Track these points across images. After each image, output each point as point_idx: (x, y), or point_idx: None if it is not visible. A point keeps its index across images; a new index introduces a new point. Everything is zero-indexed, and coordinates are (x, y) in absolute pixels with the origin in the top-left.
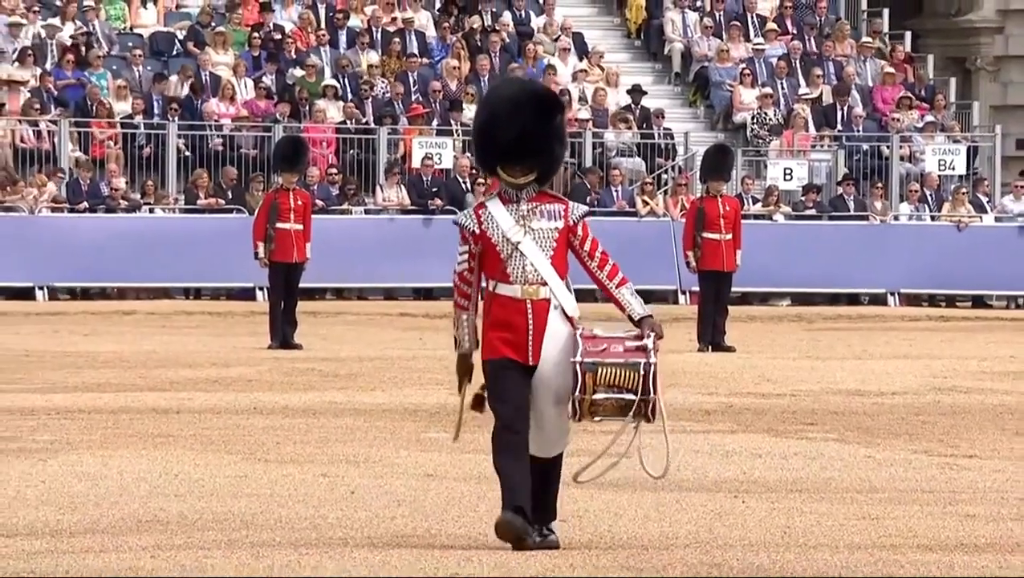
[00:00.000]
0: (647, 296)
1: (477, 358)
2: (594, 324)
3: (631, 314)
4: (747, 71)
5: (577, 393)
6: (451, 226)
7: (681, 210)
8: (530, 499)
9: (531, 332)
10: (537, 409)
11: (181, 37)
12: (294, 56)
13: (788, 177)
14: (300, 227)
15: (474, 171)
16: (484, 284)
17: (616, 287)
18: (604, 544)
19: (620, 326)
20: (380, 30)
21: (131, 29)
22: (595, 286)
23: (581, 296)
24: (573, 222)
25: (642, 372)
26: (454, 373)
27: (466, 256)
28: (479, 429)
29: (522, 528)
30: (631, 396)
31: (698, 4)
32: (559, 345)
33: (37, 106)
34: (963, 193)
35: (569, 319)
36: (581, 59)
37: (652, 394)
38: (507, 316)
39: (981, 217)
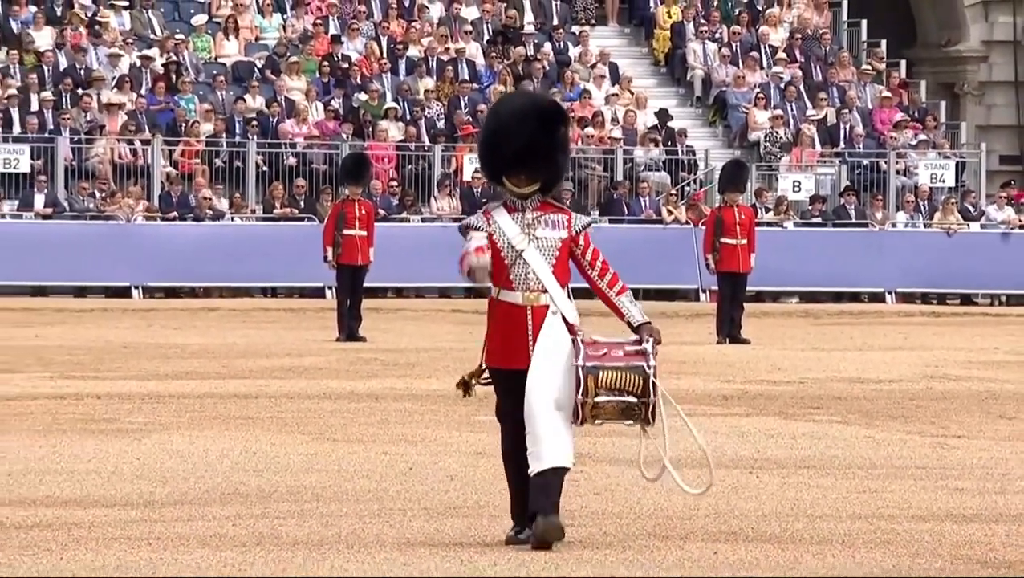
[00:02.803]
0: (671, 294)
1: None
2: (593, 333)
3: (630, 321)
4: (761, 95)
5: (580, 396)
6: None
7: (700, 218)
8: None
9: (531, 337)
10: (530, 412)
11: (260, 65)
12: (359, 82)
13: (797, 189)
14: (364, 233)
15: None
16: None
17: (616, 295)
18: (633, 514)
19: (619, 335)
20: (435, 59)
21: (215, 59)
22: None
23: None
24: (576, 232)
25: (643, 375)
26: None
27: (483, 236)
28: None
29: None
30: (632, 399)
31: (717, 36)
32: (553, 347)
33: (133, 127)
34: (952, 203)
35: (569, 326)
36: (613, 84)
37: (652, 397)
38: (509, 322)
39: (968, 224)
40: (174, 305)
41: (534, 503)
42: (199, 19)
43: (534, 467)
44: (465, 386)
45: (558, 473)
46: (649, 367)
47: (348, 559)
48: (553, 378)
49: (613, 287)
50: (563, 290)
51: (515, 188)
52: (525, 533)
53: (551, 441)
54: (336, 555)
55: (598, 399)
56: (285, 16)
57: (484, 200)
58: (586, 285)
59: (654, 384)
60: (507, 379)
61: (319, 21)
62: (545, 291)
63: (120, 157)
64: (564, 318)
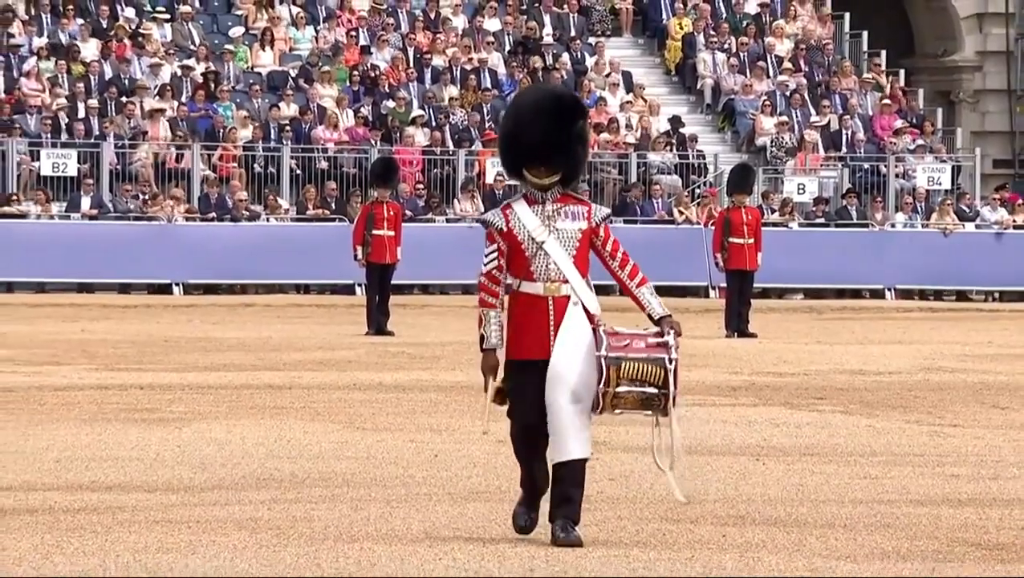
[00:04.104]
0: (682, 291)
1: (501, 355)
2: (614, 324)
3: (651, 313)
4: (767, 102)
5: (601, 386)
6: None
7: (710, 219)
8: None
9: (552, 328)
10: (552, 403)
11: (294, 75)
12: (387, 90)
13: (801, 191)
14: (392, 233)
15: None
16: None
17: (636, 286)
18: (647, 499)
19: (639, 327)
20: (459, 68)
21: (252, 68)
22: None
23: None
24: (596, 224)
25: (665, 366)
26: (480, 371)
27: (495, 255)
28: None
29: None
30: (653, 389)
31: (726, 46)
32: (576, 338)
33: (181, 134)
34: (948, 205)
35: (590, 317)
36: (628, 93)
37: (673, 388)
38: (530, 313)
39: (964, 225)
40: (212, 301)
41: (556, 509)
42: (236, 31)
43: (553, 457)
44: (501, 395)
45: (577, 467)
46: (671, 360)
47: (377, 541)
48: (574, 369)
49: (634, 278)
50: (584, 281)
51: (535, 180)
52: (528, 520)
53: (570, 434)
54: (365, 537)
55: (619, 389)
56: (318, 28)
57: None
58: (604, 281)
59: (675, 376)
60: (525, 371)
61: (350, 33)
62: (566, 282)
63: (162, 161)
64: (585, 308)
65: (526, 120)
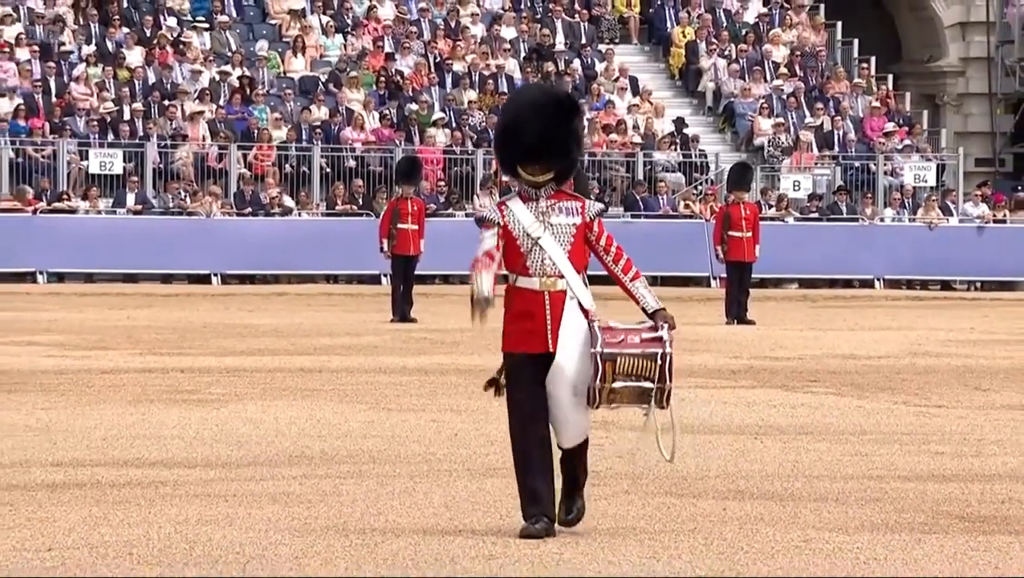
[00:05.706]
0: (685, 281)
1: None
2: (608, 319)
3: (645, 307)
4: (765, 105)
5: (597, 382)
6: None
7: (711, 213)
8: (553, 501)
9: (549, 321)
10: (554, 397)
11: (323, 79)
12: (411, 94)
13: (796, 188)
14: (416, 227)
15: None
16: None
17: (631, 280)
18: (651, 475)
19: (633, 321)
20: (478, 74)
21: (284, 74)
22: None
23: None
24: (590, 219)
25: (659, 361)
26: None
27: (494, 236)
28: None
29: (543, 532)
30: (648, 384)
31: (726, 53)
32: (576, 334)
33: (221, 134)
34: (933, 200)
35: (585, 312)
36: (634, 96)
37: (668, 382)
38: (526, 307)
39: (948, 219)
40: (248, 290)
41: (566, 496)
42: (262, 44)
43: (560, 444)
44: (495, 386)
45: (581, 451)
46: (666, 353)
47: (401, 514)
48: (573, 364)
49: (628, 273)
50: (579, 276)
51: (530, 177)
52: (541, 523)
53: (571, 424)
54: (390, 510)
55: (615, 385)
56: (346, 36)
57: None
58: (603, 272)
59: (670, 369)
60: (523, 363)
61: (376, 41)
62: (562, 276)
63: (202, 160)
64: (580, 304)
65: (522, 119)
